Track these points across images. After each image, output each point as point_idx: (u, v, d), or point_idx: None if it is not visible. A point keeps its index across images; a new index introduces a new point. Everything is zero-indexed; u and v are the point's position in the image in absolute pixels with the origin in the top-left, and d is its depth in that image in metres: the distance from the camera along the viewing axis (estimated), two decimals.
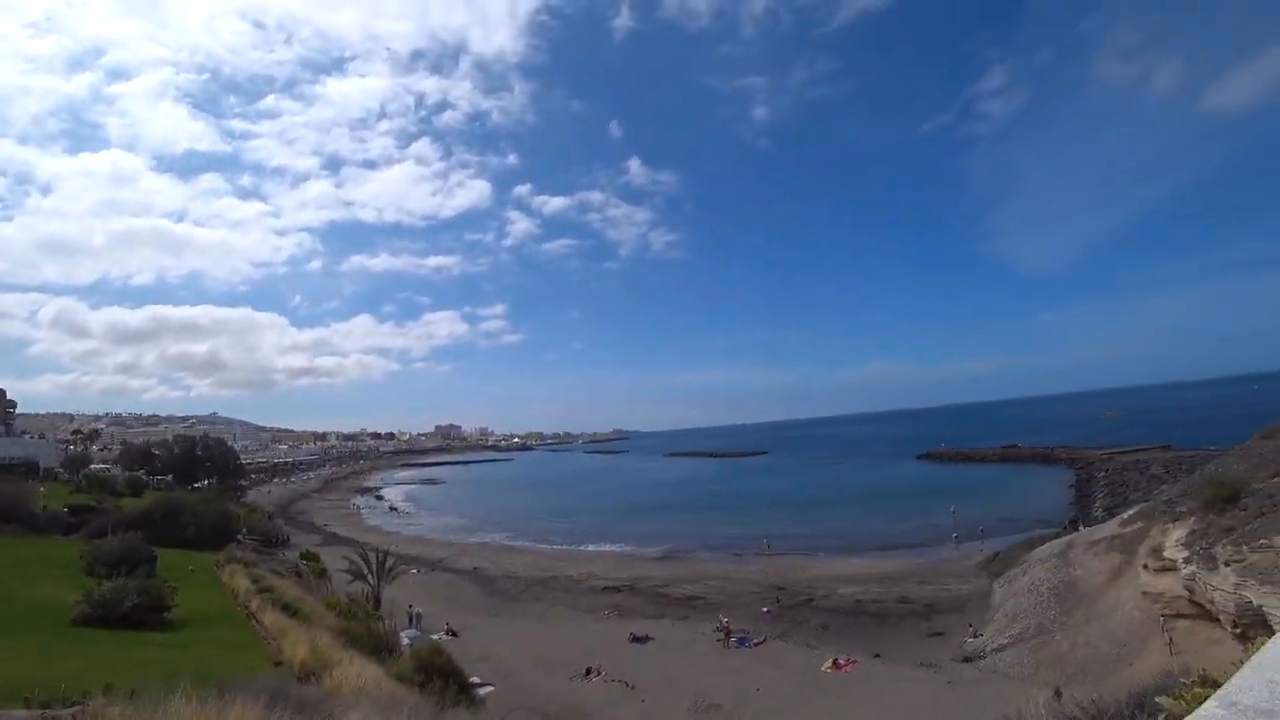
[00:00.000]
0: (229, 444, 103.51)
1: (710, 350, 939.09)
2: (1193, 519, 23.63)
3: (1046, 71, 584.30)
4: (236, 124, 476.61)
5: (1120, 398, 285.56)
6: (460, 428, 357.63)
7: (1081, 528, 38.05)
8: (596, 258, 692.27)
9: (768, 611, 32.92)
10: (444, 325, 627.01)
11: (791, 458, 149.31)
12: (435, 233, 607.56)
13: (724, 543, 53.08)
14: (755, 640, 28.03)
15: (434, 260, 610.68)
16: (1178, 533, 23.52)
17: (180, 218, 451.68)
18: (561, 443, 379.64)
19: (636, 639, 28.88)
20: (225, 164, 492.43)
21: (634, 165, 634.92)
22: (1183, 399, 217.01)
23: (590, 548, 55.17)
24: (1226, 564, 18.38)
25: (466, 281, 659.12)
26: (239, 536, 43.03)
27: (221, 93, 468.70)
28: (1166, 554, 22.79)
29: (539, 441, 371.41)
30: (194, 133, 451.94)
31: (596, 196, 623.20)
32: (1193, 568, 20.12)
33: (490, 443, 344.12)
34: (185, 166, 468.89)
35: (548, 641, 29.44)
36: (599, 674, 24.49)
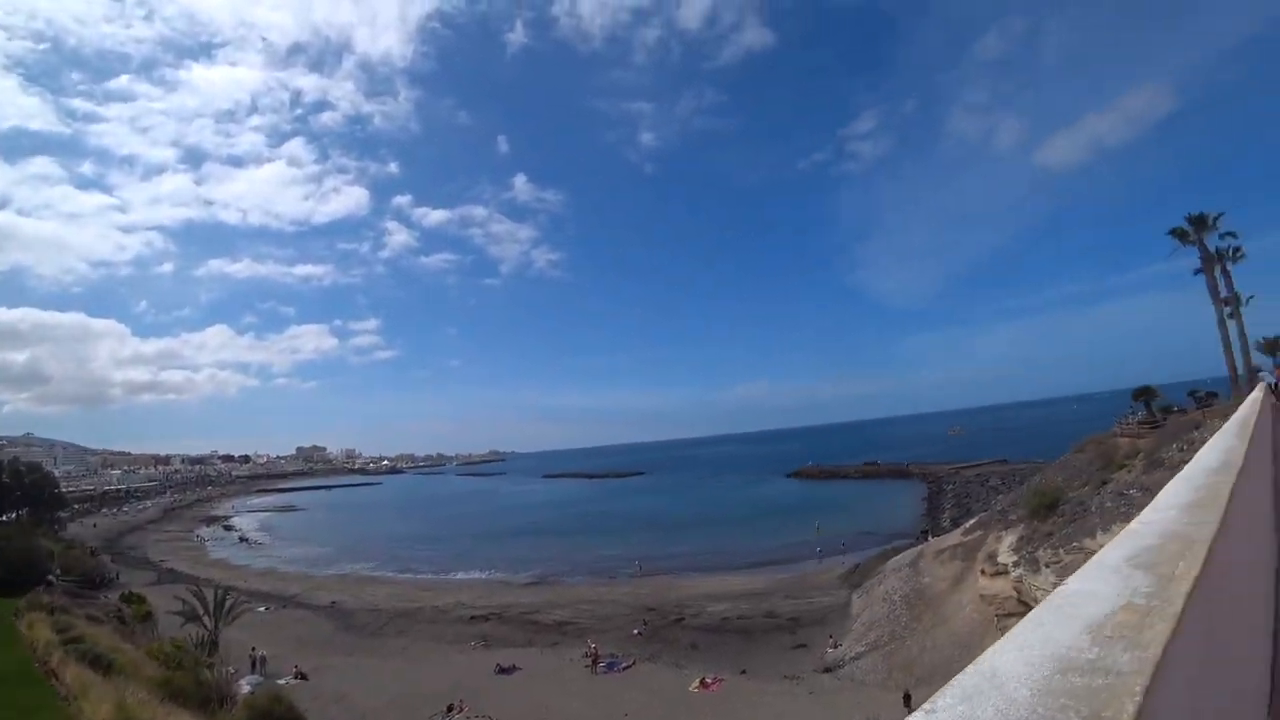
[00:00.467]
0: (46, 469, 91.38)
1: (592, 370, 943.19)
2: (1021, 526, 25.82)
3: (910, 120, 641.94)
4: (79, 104, 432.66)
5: (965, 417, 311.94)
6: (325, 449, 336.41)
7: (930, 538, 40.68)
8: (477, 274, 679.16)
9: (638, 633, 32.71)
10: (311, 339, 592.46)
11: (669, 478, 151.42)
12: (305, 240, 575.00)
13: (597, 565, 52.57)
14: (624, 664, 27.67)
15: (302, 269, 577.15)
16: (1009, 539, 25.59)
17: (1, 205, 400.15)
18: (435, 465, 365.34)
19: (503, 670, 27.75)
20: (62, 148, 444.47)
21: (519, 182, 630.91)
22: (1017, 418, 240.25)
23: (459, 576, 52.88)
24: (1047, 565, 20.12)
25: (337, 293, 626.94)
26: (50, 578, 37.86)
27: (63, 66, 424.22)
28: (999, 559, 24.68)
29: (410, 464, 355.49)
30: (25, 109, 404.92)
31: (479, 211, 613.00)
32: (1020, 570, 21.88)
33: (358, 465, 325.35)
34: (12, 147, 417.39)
35: (409, 679, 27.68)
36: (461, 710, 23.24)
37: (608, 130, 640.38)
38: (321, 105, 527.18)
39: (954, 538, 34.57)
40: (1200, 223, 38.99)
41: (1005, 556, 24.34)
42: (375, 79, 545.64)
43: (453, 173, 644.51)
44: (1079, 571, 1.49)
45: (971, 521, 36.33)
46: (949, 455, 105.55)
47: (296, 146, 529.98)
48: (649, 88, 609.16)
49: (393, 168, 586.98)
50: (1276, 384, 27.65)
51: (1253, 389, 24.03)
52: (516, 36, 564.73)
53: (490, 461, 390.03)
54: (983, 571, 25.55)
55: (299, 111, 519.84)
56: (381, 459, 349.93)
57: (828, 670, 25.78)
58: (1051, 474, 33.76)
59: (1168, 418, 32.40)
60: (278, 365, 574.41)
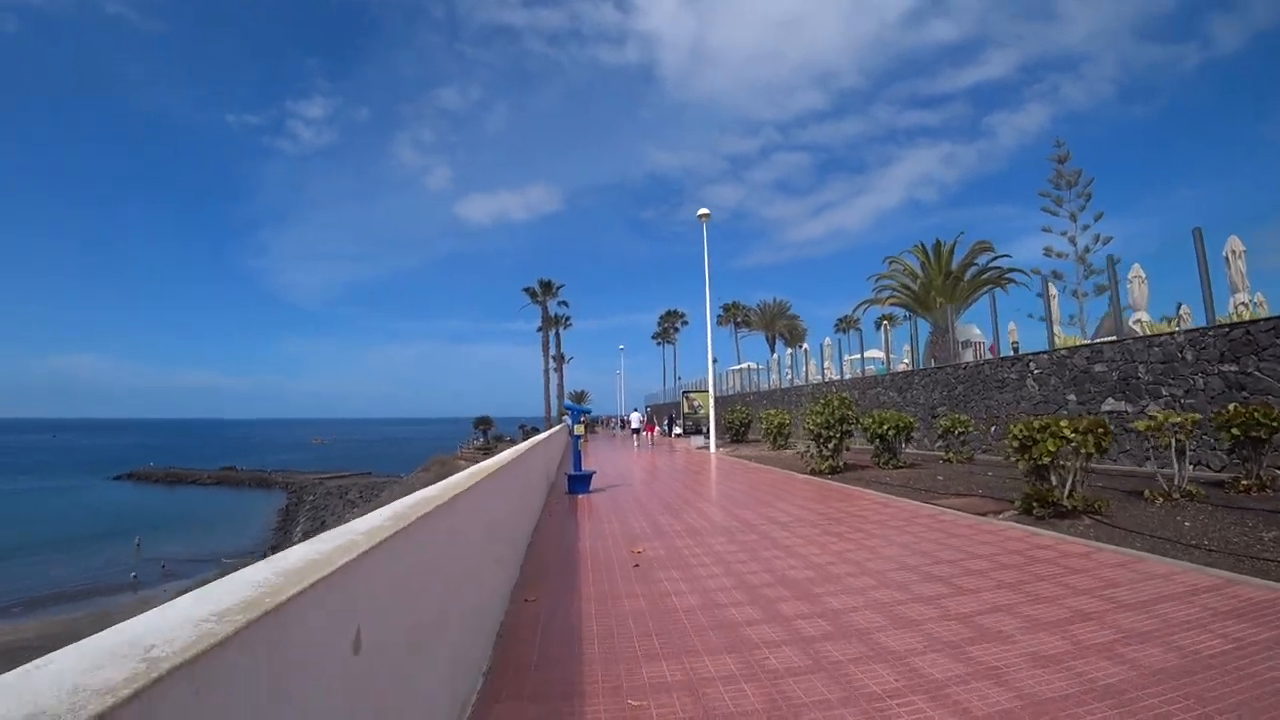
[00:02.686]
0: None
1: None
2: None
3: (361, 128, 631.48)
4: None
5: (338, 426, 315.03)
6: None
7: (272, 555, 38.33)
8: None
9: None
10: None
11: None
12: None
13: None
14: None
15: None
16: None
17: None
18: None
19: None
20: None
21: None
22: (389, 433, 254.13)
23: None
24: None
25: None
26: None
27: None
28: None
29: None
30: None
31: None
32: None
33: None
34: None
35: None
36: None
37: None
38: None
39: None
40: (547, 287, 48.28)
41: None
42: None
43: None
44: None
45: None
46: (316, 464, 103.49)
47: None
48: None
49: None
50: (574, 425, 35.69)
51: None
52: None
53: None
54: None
55: None
56: None
57: None
58: (399, 490, 35.95)
59: (497, 444, 38.39)
60: None
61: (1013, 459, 9.12)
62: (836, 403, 15.84)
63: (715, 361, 31.79)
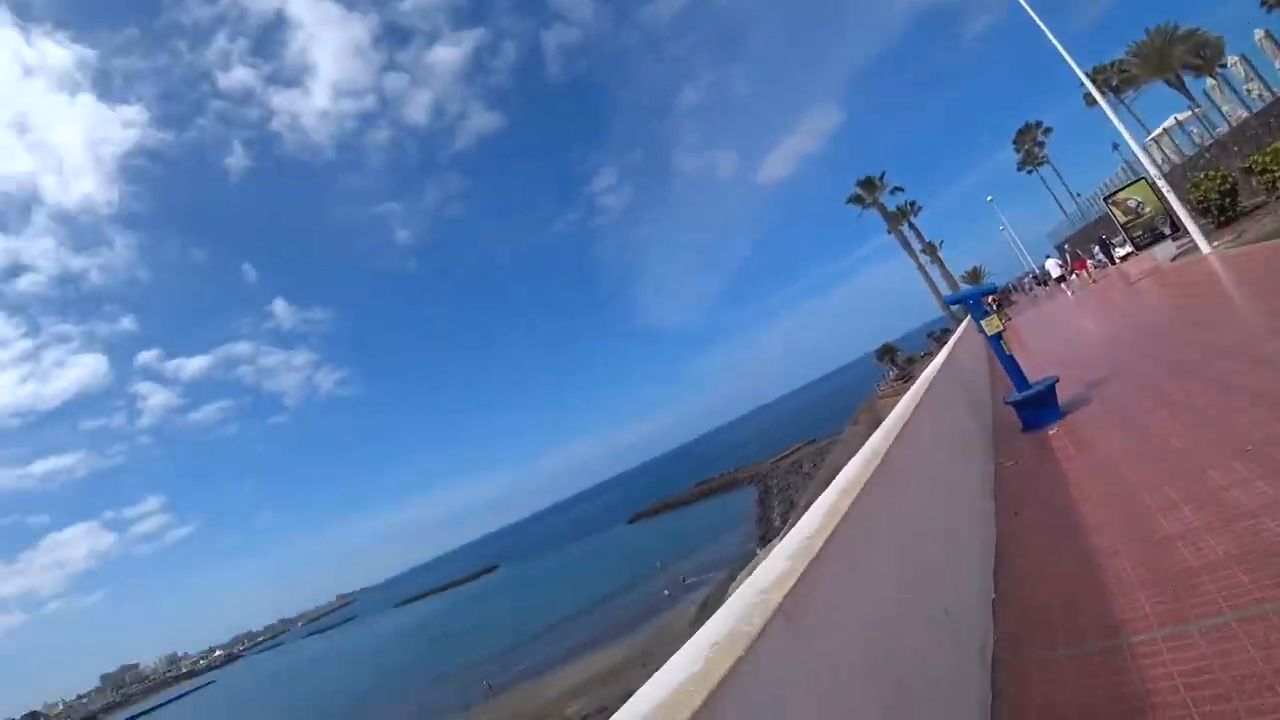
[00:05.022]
0: None
1: (417, 479, 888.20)
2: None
3: (641, 168, 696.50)
4: None
5: (767, 411, 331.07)
6: (137, 665, 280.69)
7: (758, 551, 40.23)
8: (258, 414, 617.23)
9: None
10: (79, 543, 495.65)
11: (522, 563, 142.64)
12: (38, 429, 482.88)
13: (429, 706, 45.31)
14: None
15: (43, 465, 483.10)
16: None
17: None
18: (276, 634, 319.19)
19: None
20: None
21: (280, 307, 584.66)
22: (804, 399, 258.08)
23: None
24: None
25: (98, 481, 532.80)
26: None
27: None
28: None
29: (249, 642, 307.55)
30: None
31: (243, 348, 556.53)
32: None
33: (184, 670, 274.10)
34: None
35: None
36: None
37: (358, 237, 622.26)
38: (15, 269, 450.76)
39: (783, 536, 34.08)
40: (869, 185, 42.80)
41: None
42: (79, 230, 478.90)
43: (201, 314, 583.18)
44: None
45: (793, 518, 36.30)
46: (766, 451, 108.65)
47: None
48: (391, 187, 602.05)
49: (127, 323, 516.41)
50: (979, 318, 30.36)
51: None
52: (237, 160, 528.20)
53: (339, 608, 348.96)
54: None
55: None
56: (213, 650, 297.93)
57: None
58: (839, 452, 34.75)
59: (910, 366, 34.70)
60: (43, 587, 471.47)
61: None
62: None
63: (1117, 148, 23.68)
